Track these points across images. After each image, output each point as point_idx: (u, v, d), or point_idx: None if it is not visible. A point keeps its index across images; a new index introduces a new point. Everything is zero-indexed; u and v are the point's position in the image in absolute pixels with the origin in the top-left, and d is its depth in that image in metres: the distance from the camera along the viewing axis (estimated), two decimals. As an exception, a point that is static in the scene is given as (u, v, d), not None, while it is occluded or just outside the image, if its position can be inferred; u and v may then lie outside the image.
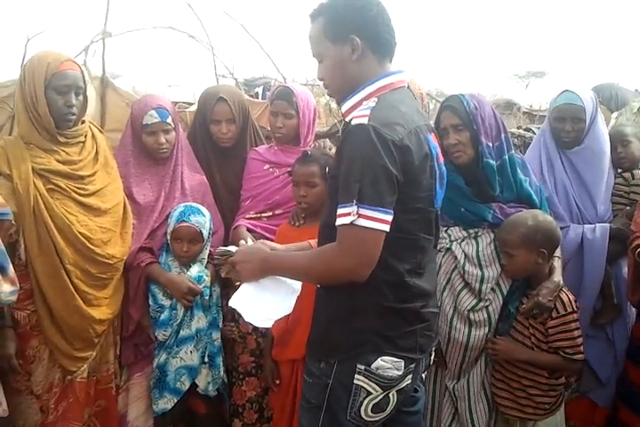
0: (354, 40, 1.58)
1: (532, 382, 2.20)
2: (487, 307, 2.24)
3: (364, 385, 1.59)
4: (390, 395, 1.63)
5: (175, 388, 2.37)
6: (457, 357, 2.29)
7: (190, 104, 3.17)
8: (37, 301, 2.14)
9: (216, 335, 2.46)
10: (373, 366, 1.58)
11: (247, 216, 2.55)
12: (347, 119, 1.62)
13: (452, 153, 2.22)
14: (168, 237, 2.40)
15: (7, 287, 1.93)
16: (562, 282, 2.20)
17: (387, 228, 1.48)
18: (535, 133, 3.20)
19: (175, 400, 2.38)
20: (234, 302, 1.70)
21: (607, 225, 2.50)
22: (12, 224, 2.04)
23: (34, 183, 2.10)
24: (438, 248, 2.33)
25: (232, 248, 1.79)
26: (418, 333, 1.64)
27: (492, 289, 2.24)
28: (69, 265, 2.14)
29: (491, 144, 2.19)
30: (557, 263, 2.24)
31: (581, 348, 2.16)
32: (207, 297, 2.42)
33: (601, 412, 2.61)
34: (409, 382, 1.66)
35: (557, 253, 2.24)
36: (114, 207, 2.28)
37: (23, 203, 2.08)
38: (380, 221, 1.47)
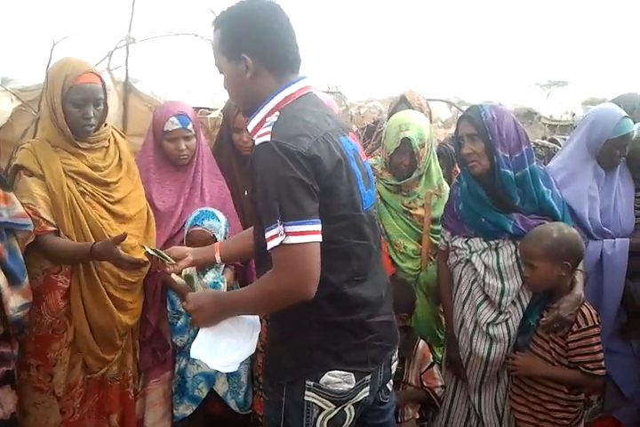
0: (246, 59, 1.54)
1: (551, 398, 2.17)
2: (507, 320, 2.22)
3: (316, 401, 1.54)
4: (346, 409, 1.57)
5: (194, 395, 2.38)
6: (477, 371, 2.28)
7: (210, 109, 3.18)
8: (73, 296, 2.15)
9: None
10: (322, 381, 1.52)
11: None
12: (253, 138, 1.56)
13: (467, 163, 2.23)
14: (185, 243, 2.39)
15: (18, 301, 1.94)
16: (583, 296, 2.16)
17: (318, 237, 1.43)
18: (560, 145, 3.16)
19: (194, 407, 2.38)
20: (194, 353, 1.64)
21: (627, 240, 2.46)
22: (31, 234, 2.05)
23: (66, 184, 2.11)
24: (458, 259, 2.33)
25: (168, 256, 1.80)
26: (367, 345, 1.58)
27: (513, 302, 2.22)
28: (101, 268, 2.17)
29: (508, 155, 2.17)
30: (579, 277, 2.21)
31: (602, 363, 2.13)
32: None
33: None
34: (366, 394, 1.60)
35: (580, 266, 2.21)
36: (138, 214, 2.29)
37: (59, 202, 2.09)
38: (308, 233, 1.41)
